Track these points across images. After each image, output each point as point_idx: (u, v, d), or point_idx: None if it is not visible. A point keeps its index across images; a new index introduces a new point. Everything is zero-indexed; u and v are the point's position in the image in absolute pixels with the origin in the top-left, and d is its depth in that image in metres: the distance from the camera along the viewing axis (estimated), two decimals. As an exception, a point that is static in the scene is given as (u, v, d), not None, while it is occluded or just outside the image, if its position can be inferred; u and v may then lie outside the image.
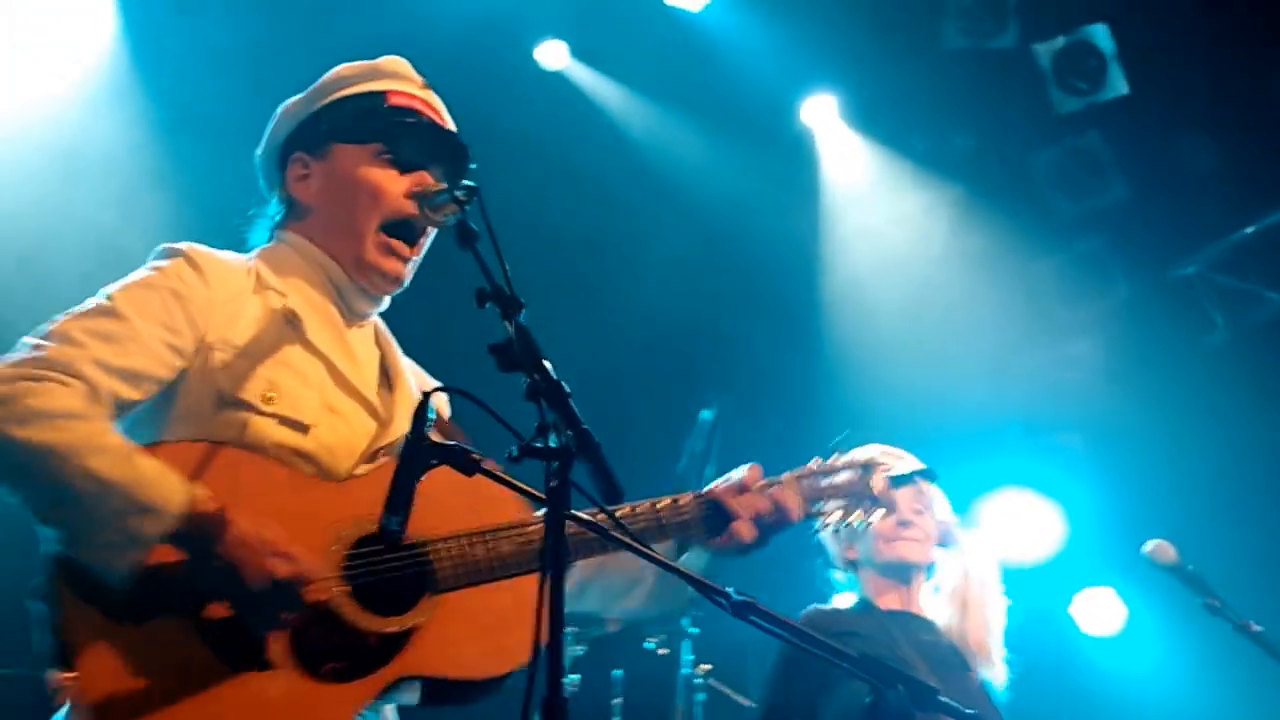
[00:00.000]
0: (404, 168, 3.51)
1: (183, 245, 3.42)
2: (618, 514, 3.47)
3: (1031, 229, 8.99)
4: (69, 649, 2.97)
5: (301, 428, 3.32)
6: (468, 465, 2.91)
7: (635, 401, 8.15)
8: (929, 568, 5.48)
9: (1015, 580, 8.36)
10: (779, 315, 8.95)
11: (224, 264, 3.43)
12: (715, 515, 3.58)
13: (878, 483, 3.90)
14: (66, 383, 3.08)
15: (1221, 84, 8.32)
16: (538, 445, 2.75)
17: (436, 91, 3.70)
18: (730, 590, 3.06)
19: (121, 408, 3.19)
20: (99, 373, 3.13)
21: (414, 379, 3.65)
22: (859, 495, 3.86)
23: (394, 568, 3.22)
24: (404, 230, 3.49)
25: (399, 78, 3.63)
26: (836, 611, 5.35)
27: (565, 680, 6.35)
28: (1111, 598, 9.29)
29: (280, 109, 3.67)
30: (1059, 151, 8.83)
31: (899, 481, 5.13)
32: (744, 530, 3.57)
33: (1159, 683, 8.54)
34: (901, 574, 5.40)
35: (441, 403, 3.68)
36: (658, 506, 3.55)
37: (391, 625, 3.17)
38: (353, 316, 3.54)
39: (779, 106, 9.04)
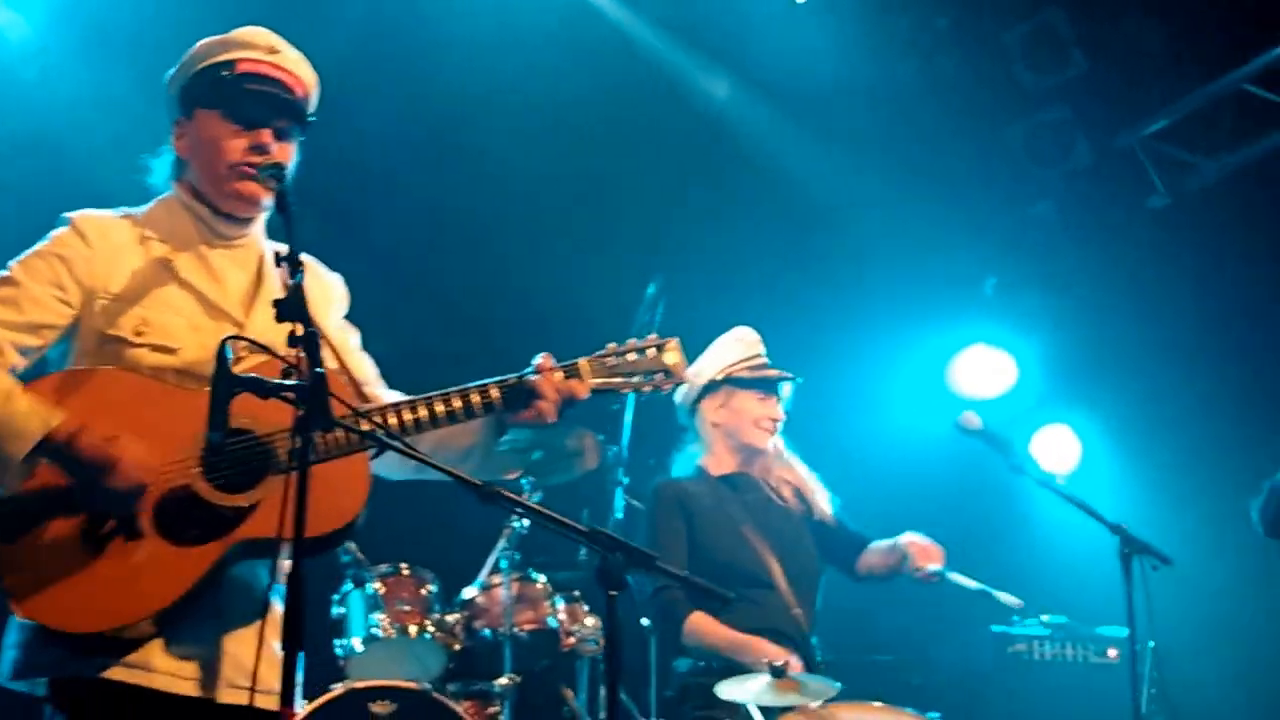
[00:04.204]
0: (246, 125, 4.19)
1: (73, 214, 4.19)
2: (439, 397, 4.19)
3: (1002, 100, 9.62)
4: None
5: (170, 350, 4.06)
6: (264, 391, 3.68)
7: (591, 275, 8.64)
8: None
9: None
10: (752, 185, 9.46)
11: (107, 223, 4.21)
12: (517, 394, 4.24)
13: (670, 356, 4.40)
14: None
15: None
16: (287, 383, 3.55)
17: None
18: (479, 481, 3.75)
19: (29, 352, 4.02)
20: (3, 330, 3.97)
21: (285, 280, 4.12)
22: (652, 370, 4.38)
23: (242, 455, 3.96)
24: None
25: (247, 46, 4.26)
26: (678, 482, 6.33)
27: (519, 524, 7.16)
28: (1067, 435, 9.90)
29: (165, 83, 4.36)
30: (1029, 28, 9.28)
31: (770, 386, 6.07)
32: (543, 404, 4.23)
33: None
34: (750, 454, 6.39)
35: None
36: (468, 391, 4.21)
37: (240, 500, 3.90)
38: (221, 240, 4.27)
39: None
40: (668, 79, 9.01)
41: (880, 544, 6.36)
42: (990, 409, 9.76)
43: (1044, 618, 8.50)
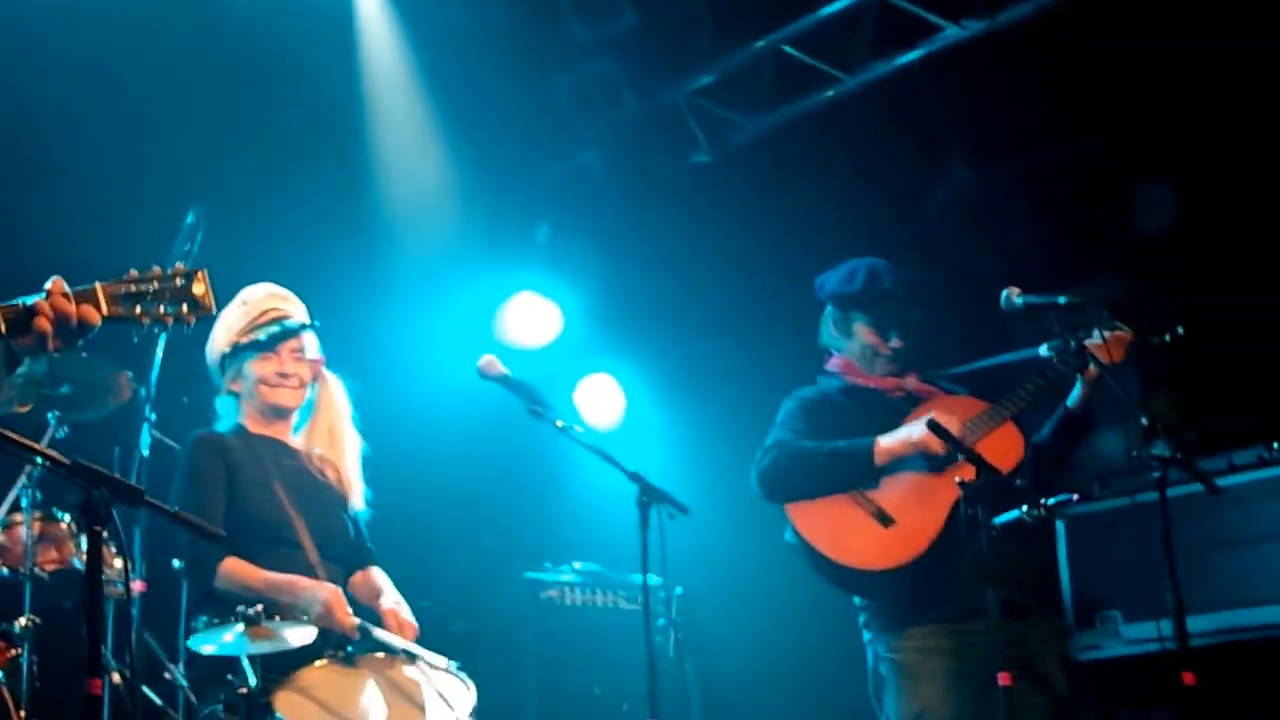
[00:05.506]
0: None
1: None
2: None
3: (550, 49, 9.73)
4: None
5: None
6: None
7: (129, 204, 8.31)
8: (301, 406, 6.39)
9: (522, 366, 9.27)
10: (299, 121, 9.20)
11: None
12: (25, 319, 4.08)
13: (198, 288, 4.33)
14: None
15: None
16: None
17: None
18: None
19: None
20: None
21: None
22: (176, 300, 4.29)
23: None
24: None
25: None
26: (218, 434, 6.23)
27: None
28: (612, 385, 10.15)
29: None
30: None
31: (285, 334, 6.09)
32: (45, 327, 4.08)
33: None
34: (277, 414, 6.32)
35: None
36: None
37: None
38: None
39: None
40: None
41: (374, 581, 6.29)
42: (537, 357, 10.00)
43: (576, 564, 8.74)
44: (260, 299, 6.29)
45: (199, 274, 4.36)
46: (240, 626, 5.26)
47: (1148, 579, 6.54)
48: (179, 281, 4.31)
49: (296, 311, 6.30)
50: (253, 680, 5.20)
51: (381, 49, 9.53)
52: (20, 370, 4.28)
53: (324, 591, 5.71)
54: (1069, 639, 6.92)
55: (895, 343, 6.45)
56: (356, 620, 5.71)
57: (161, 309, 4.28)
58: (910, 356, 6.51)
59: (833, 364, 6.63)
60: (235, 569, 5.85)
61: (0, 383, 4.28)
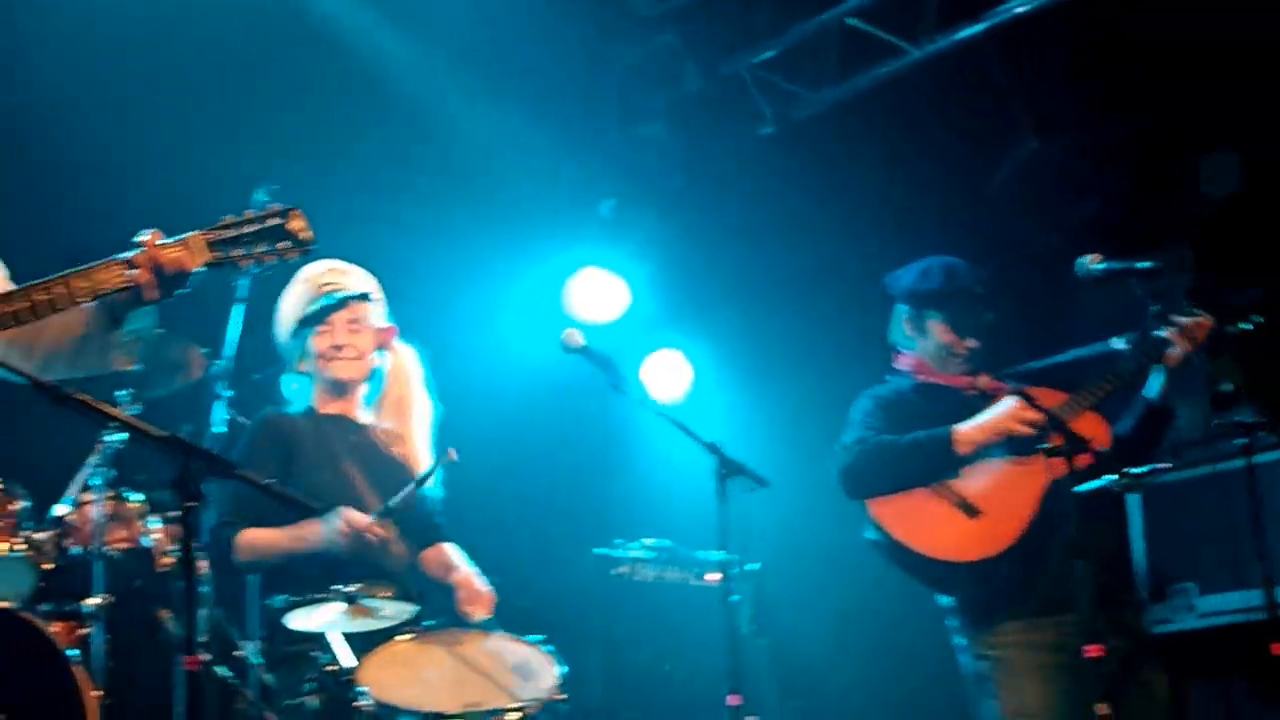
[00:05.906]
0: None
1: None
2: (39, 286, 4.13)
3: (612, 21, 9.77)
4: None
5: None
6: None
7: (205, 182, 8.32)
8: (371, 375, 6.42)
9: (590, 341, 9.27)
10: (366, 100, 9.20)
11: None
12: (122, 270, 4.18)
13: (295, 223, 4.37)
14: None
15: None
16: None
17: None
18: (49, 382, 3.82)
19: None
20: None
21: None
22: (275, 236, 4.35)
23: None
24: None
25: None
26: (287, 415, 6.35)
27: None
28: (679, 361, 10.15)
29: None
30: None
31: (336, 304, 6.14)
32: (142, 278, 4.18)
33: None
34: (339, 389, 6.39)
35: None
36: (69, 277, 4.15)
37: None
38: None
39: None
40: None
41: (446, 556, 6.37)
42: (604, 333, 9.97)
43: (646, 540, 8.74)
44: (318, 275, 6.34)
45: (294, 211, 4.41)
46: (341, 605, 5.32)
47: (1225, 550, 6.56)
48: (274, 221, 4.36)
49: (353, 283, 6.35)
50: (352, 659, 5.25)
51: (445, 22, 9.46)
52: (129, 328, 4.35)
53: (335, 519, 5.76)
54: (1145, 612, 6.90)
55: (970, 342, 6.35)
56: (378, 510, 5.84)
57: (260, 249, 4.34)
58: (983, 357, 6.41)
59: (903, 362, 6.53)
60: (249, 538, 5.94)
61: (105, 340, 4.35)
